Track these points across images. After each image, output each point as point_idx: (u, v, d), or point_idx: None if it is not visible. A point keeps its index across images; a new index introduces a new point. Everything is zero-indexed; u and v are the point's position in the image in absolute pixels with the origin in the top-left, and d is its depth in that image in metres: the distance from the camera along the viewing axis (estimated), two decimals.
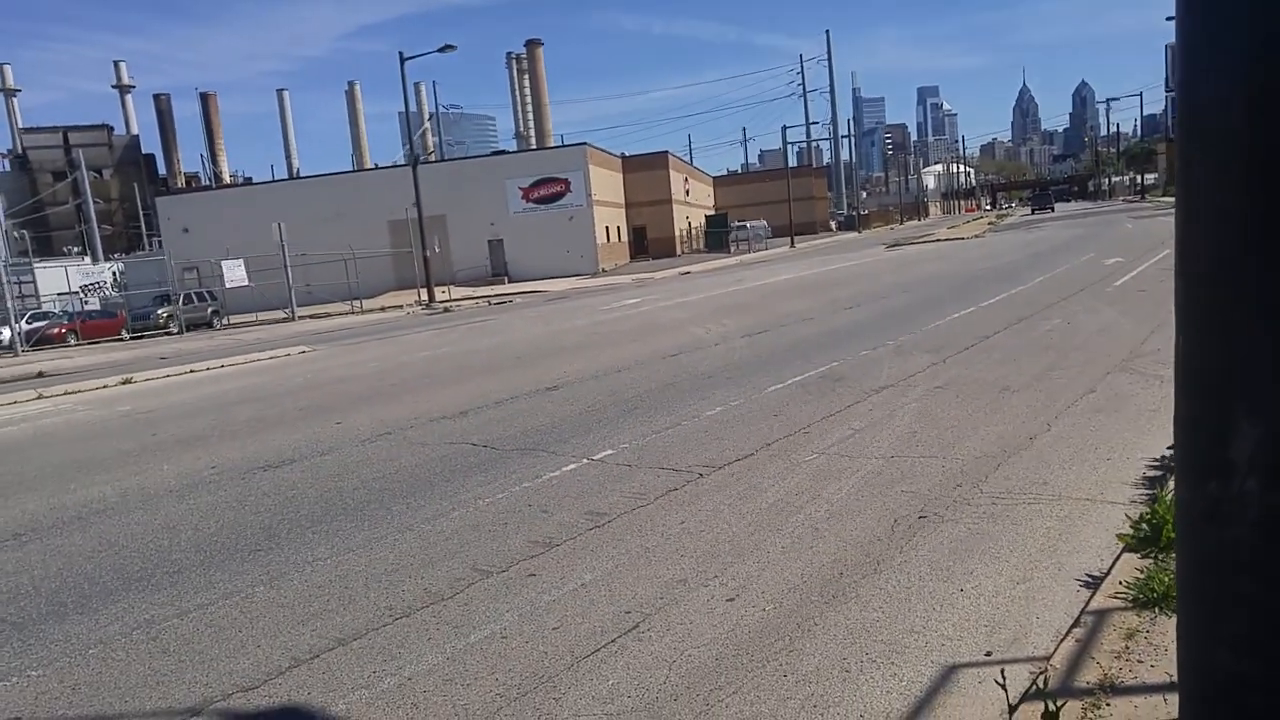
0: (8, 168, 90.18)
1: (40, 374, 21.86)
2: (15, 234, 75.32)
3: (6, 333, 35.12)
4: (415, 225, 40.35)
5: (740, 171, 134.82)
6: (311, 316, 38.27)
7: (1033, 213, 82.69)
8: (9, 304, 35.95)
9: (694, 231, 72.69)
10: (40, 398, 16.21)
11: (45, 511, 7.32)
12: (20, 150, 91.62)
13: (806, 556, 4.75)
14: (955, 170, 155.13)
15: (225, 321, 40.39)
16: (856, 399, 8.66)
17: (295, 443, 9.31)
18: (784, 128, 73.24)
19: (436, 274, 41.94)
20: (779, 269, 36.41)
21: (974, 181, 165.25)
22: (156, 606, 4.90)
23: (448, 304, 37.76)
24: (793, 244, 64.21)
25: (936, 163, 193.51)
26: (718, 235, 67.76)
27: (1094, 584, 4.01)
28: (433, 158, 78.65)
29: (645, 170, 65.64)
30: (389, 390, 12.84)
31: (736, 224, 68.51)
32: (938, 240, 47.33)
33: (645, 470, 6.79)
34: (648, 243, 65.03)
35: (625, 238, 63.02)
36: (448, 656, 3.95)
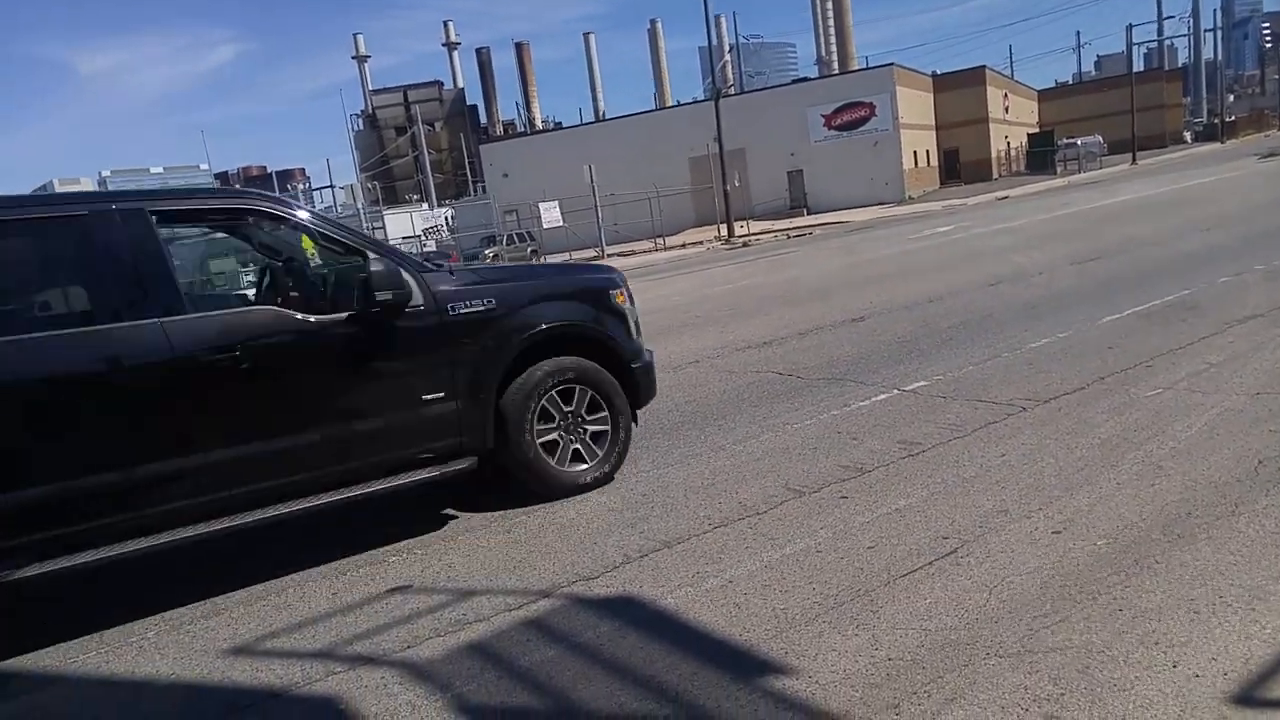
0: (361, 127, 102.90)
1: None
2: (367, 186, 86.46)
3: None
4: (716, 160, 40.94)
5: (1071, 83, 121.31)
6: (619, 254, 40.36)
7: None
8: None
9: (1013, 152, 66.85)
10: None
11: None
12: (370, 110, 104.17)
13: (1146, 494, 4.39)
14: None
15: (543, 260, 43.84)
16: (1212, 330, 7.69)
17: None
18: (1129, 26, 64.40)
19: (735, 208, 42.37)
20: (1116, 189, 32.63)
21: None
22: (506, 504, 5.58)
23: (746, 238, 38.12)
24: (1134, 160, 56.97)
25: None
26: (1041, 155, 61.72)
27: None
28: (732, 91, 78.80)
29: (958, 88, 61.18)
30: (694, 321, 13.35)
31: (1064, 141, 61.99)
32: None
33: (961, 402, 6.56)
34: (960, 166, 60.87)
35: (935, 162, 59.51)
36: (765, 565, 4.16)
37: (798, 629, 3.51)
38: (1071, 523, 4.18)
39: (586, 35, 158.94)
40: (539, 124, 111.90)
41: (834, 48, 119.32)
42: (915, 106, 55.28)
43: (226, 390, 4.46)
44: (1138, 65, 76.46)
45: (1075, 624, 3.27)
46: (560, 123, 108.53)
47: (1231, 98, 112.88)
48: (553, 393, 5.41)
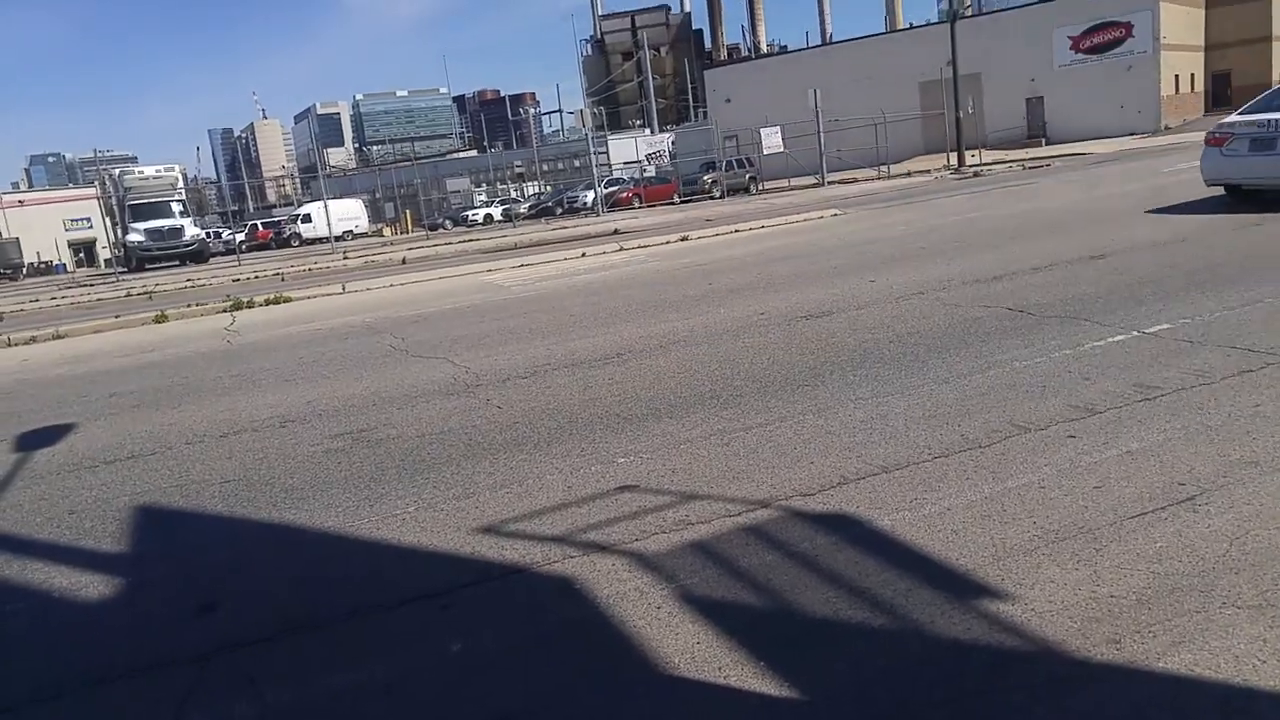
0: (590, 52, 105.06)
1: (615, 231, 26.01)
2: (593, 110, 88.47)
3: (591, 195, 42.21)
4: (948, 85, 38.65)
5: None
6: (840, 181, 39.29)
7: None
8: (594, 171, 42.99)
9: None
10: (621, 250, 19.38)
11: (637, 338, 8.97)
12: (599, 36, 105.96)
13: None
14: None
15: (761, 187, 43.40)
16: None
17: (832, 296, 9.99)
18: None
19: (967, 136, 39.96)
20: None
21: None
22: (724, 420, 5.85)
23: (977, 168, 35.94)
24: None
25: None
26: None
27: None
28: (969, 12, 73.43)
29: (1237, 2, 53.88)
30: (918, 253, 12.95)
31: None
32: None
33: (1211, 348, 6.09)
34: (1231, 91, 53.88)
35: (1200, 87, 53.09)
36: (985, 496, 4.17)
37: (1015, 559, 3.54)
38: None
39: None
40: (764, 49, 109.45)
41: None
42: (1181, 24, 49.34)
43: None
44: None
45: None
46: (786, 47, 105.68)
47: None
48: None
